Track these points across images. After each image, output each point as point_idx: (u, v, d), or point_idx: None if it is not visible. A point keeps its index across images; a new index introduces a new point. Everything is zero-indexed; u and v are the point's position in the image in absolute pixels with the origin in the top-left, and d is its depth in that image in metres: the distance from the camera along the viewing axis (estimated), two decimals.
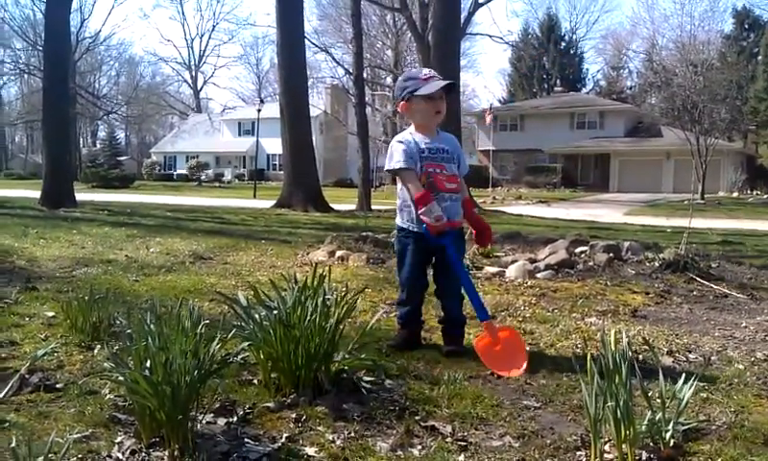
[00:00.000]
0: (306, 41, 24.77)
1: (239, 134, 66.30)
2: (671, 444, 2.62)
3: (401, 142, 3.99)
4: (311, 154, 21.46)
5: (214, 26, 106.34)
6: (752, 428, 2.85)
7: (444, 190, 3.91)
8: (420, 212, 3.82)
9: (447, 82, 3.96)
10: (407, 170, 3.89)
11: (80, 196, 19.01)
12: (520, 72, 70.92)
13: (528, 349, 3.89)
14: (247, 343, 3.16)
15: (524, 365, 3.59)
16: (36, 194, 17.80)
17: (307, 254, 8.01)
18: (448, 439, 2.73)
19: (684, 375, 2.93)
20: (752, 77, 49.02)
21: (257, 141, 46.84)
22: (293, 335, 3.08)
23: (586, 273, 6.83)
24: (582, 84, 70.44)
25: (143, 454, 2.51)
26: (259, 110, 42.38)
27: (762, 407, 3.15)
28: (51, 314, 4.50)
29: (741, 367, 3.80)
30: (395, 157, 3.94)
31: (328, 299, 3.26)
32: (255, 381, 3.29)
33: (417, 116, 4.01)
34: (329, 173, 55.77)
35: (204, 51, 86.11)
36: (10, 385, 3.08)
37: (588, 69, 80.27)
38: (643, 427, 2.63)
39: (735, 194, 41.63)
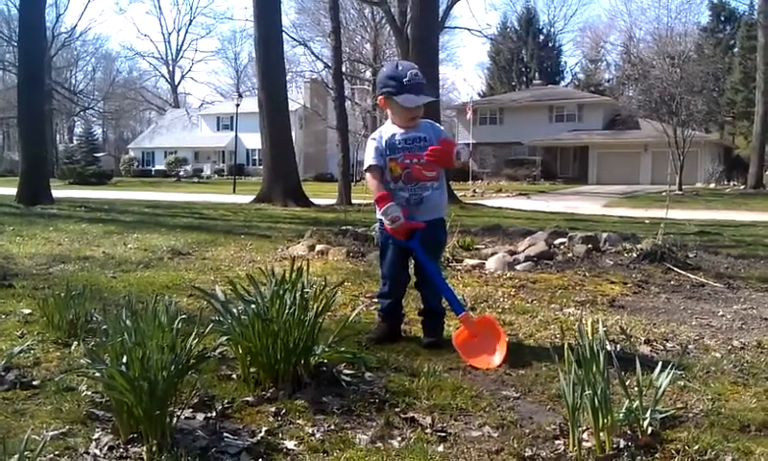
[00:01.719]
0: (284, 35, 24.72)
1: (218, 129, 65.88)
2: (648, 431, 2.64)
3: (374, 139, 4.05)
4: (291, 148, 21.40)
5: (191, 20, 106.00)
6: (728, 416, 2.88)
7: (422, 179, 3.92)
8: (379, 214, 3.86)
9: (428, 99, 3.96)
10: (374, 168, 3.95)
11: (56, 193, 18.82)
12: (499, 65, 71.01)
13: (507, 338, 3.91)
14: (225, 337, 3.15)
15: (503, 354, 3.60)
16: (13, 191, 17.59)
17: (287, 248, 7.99)
18: (428, 430, 2.74)
19: (661, 363, 2.95)
20: (728, 69, 49.44)
21: (236, 136, 46.59)
22: (271, 329, 3.07)
23: (564, 264, 6.87)
24: (560, 77, 70.74)
25: (121, 450, 2.49)
26: (238, 105, 42.10)
27: (739, 395, 3.18)
28: (27, 311, 4.45)
29: (718, 355, 3.84)
30: (366, 155, 4.02)
31: (307, 292, 3.25)
32: (234, 376, 3.27)
33: (393, 114, 4.02)
34: (309, 167, 55.68)
35: (182, 45, 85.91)
36: None
37: (566, 62, 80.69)
38: (621, 416, 2.65)
39: (713, 185, 41.99)
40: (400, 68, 3.95)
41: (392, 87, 3.93)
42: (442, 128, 4.24)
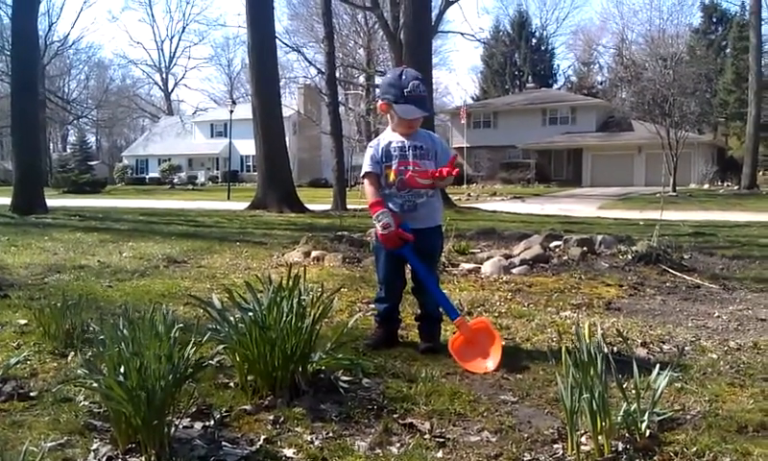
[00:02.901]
0: (278, 41, 24.70)
1: (212, 136, 65.79)
2: (647, 434, 2.64)
3: (371, 147, 4.09)
4: (285, 154, 21.38)
5: (184, 27, 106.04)
6: (726, 417, 2.89)
7: (416, 186, 3.93)
8: (372, 219, 3.90)
9: (425, 113, 3.97)
10: (370, 174, 3.99)
11: (51, 202, 18.77)
12: (492, 69, 71.12)
13: (503, 342, 3.91)
14: (222, 346, 3.14)
15: (498, 358, 3.62)
16: (7, 201, 17.55)
17: (282, 255, 7.99)
18: (426, 436, 2.74)
19: (658, 365, 2.96)
20: (720, 70, 49.64)
21: (230, 143, 46.48)
22: (269, 337, 3.07)
23: (560, 267, 6.87)
24: (553, 80, 70.82)
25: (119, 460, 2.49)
26: (231, 112, 42.05)
27: (736, 396, 3.19)
28: (23, 322, 4.44)
29: (714, 356, 3.85)
30: (364, 161, 4.07)
31: (304, 299, 3.25)
32: (232, 384, 3.27)
33: (392, 121, 4.05)
34: (304, 173, 55.61)
35: (175, 53, 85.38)
36: None
37: (558, 65, 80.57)
38: (619, 419, 2.65)
39: (707, 186, 42.07)
40: (403, 77, 3.93)
41: (392, 95, 3.95)
42: (438, 137, 4.23)
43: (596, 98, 55.23)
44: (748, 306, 5.29)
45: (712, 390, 3.24)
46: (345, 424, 2.85)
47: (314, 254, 7.56)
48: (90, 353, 3.15)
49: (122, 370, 2.54)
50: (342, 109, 37.62)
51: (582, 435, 2.62)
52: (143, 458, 2.46)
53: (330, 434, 2.75)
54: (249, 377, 3.18)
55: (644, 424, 2.65)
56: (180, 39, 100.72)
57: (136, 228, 12.59)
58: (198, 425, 2.78)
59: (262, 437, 2.70)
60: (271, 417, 2.89)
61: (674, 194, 33.68)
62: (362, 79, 55.23)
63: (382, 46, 48.35)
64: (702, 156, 45.97)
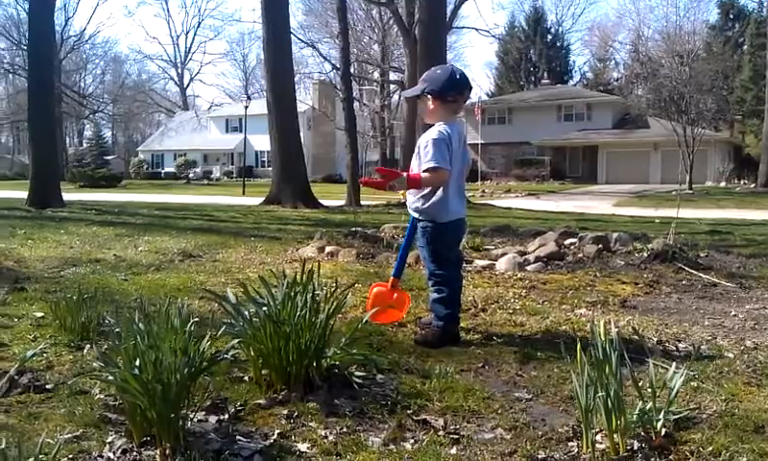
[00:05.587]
0: (292, 36, 24.72)
1: (227, 131, 66.02)
2: (662, 433, 2.63)
3: None
4: (299, 150, 21.41)
5: (199, 22, 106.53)
6: (742, 416, 2.87)
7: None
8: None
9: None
10: None
11: (67, 196, 18.89)
12: (507, 65, 70.89)
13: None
14: (237, 340, 3.15)
15: (374, 317, 3.91)
16: (24, 194, 17.67)
17: (297, 250, 7.99)
18: (440, 432, 2.73)
19: (674, 364, 2.94)
20: (737, 67, 49.23)
21: (245, 138, 46.60)
22: (283, 331, 3.07)
23: (575, 264, 6.84)
24: (569, 77, 70.52)
25: (134, 453, 2.50)
26: (246, 107, 42.14)
27: (752, 395, 3.16)
28: (40, 315, 4.47)
29: (731, 355, 3.82)
30: None
31: (318, 294, 3.26)
32: (246, 378, 3.28)
33: None
34: (318, 169, 55.69)
35: (190, 48, 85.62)
36: None
37: (574, 61, 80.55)
38: (634, 417, 2.64)
39: (723, 184, 41.77)
40: None
41: None
42: (427, 136, 3.95)
43: (612, 95, 54.84)
44: (765, 305, 5.25)
45: (729, 389, 3.22)
46: (358, 420, 2.85)
47: (328, 249, 7.56)
48: (106, 346, 3.16)
49: (137, 363, 2.55)
50: (356, 104, 37.64)
51: (597, 433, 2.61)
52: (158, 451, 2.48)
53: (344, 429, 2.75)
54: (263, 372, 3.19)
55: (660, 423, 2.63)
56: (195, 35, 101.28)
57: (152, 222, 12.65)
58: (212, 419, 2.79)
59: (276, 431, 2.71)
60: (285, 411, 2.90)
61: (690, 192, 33.48)
62: (376, 74, 55.27)
63: (397, 42, 48.35)
64: (718, 153, 45.64)
